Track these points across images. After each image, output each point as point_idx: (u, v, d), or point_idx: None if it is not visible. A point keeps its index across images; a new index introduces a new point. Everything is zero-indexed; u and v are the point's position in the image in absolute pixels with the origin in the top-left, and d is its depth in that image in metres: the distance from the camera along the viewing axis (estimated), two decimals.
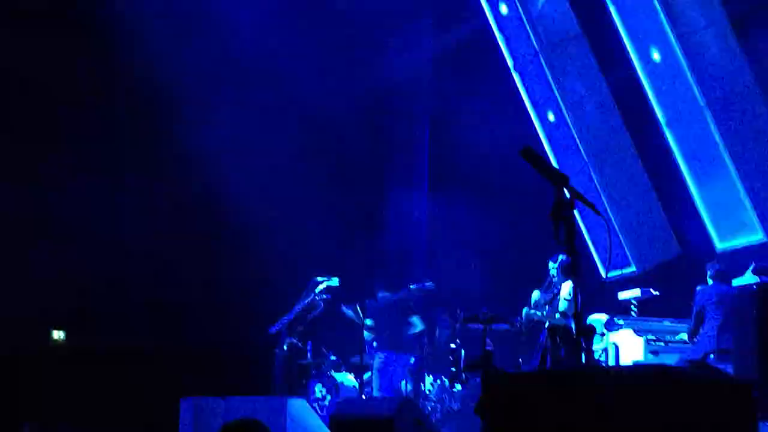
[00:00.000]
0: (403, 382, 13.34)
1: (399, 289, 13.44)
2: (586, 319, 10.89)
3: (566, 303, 11.32)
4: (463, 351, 13.26)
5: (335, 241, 15.90)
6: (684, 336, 11.55)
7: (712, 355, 10.45)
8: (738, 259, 12.41)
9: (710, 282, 11.04)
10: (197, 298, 15.14)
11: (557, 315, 11.31)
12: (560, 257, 11.47)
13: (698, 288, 11.07)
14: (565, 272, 11.57)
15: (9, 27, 14.35)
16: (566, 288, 11.41)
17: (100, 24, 15.04)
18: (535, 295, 11.75)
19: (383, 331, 13.47)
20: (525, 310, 11.66)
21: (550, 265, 11.71)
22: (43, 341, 15.63)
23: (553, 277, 11.58)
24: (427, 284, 13.36)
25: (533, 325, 11.62)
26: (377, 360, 13.48)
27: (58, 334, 15.96)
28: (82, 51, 15.11)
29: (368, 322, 13.50)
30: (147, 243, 15.24)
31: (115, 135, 15.71)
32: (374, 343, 13.66)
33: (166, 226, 15.39)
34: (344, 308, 13.52)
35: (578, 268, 5.06)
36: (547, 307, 11.51)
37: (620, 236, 14.31)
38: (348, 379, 14.06)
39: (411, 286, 13.30)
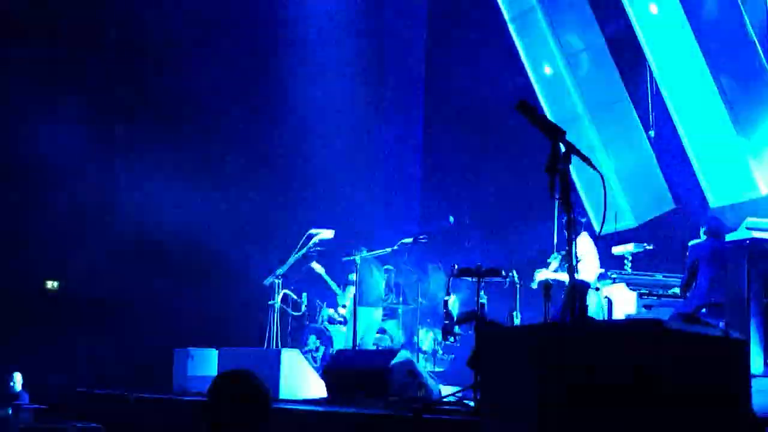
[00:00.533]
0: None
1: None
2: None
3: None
4: (457, 304, 13.32)
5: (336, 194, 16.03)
6: (676, 290, 11.58)
7: (704, 309, 10.48)
8: (732, 215, 12.44)
9: (703, 237, 11.03)
10: (191, 251, 15.14)
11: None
12: (561, 253, 11.51)
13: (691, 243, 11.07)
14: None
15: None
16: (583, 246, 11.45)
17: None
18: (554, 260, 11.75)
19: None
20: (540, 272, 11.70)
21: (553, 256, 11.74)
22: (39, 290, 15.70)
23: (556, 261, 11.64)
24: (420, 238, 13.36)
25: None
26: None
27: (51, 284, 16.00)
28: None
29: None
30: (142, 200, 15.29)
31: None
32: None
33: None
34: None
35: (573, 223, 5.03)
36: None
37: (616, 190, 14.31)
38: (341, 331, 14.12)
39: (403, 240, 13.30)
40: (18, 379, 13.27)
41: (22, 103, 14.46)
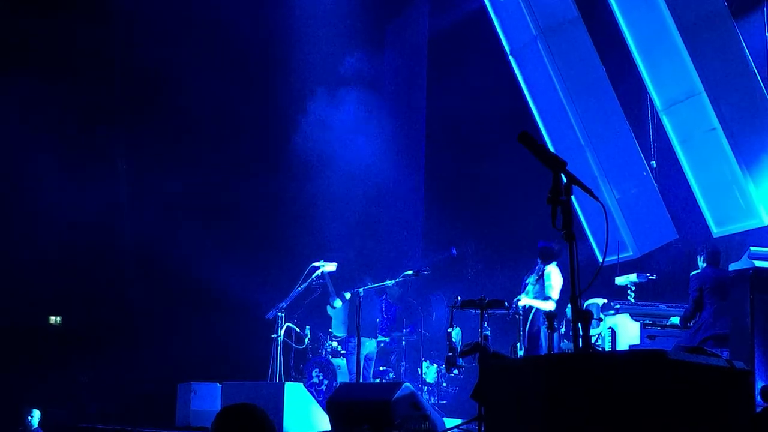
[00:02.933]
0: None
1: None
2: (583, 303, 10.89)
3: (550, 287, 11.51)
4: (460, 335, 13.28)
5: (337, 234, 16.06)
6: (675, 320, 11.54)
7: (710, 341, 10.45)
8: (734, 244, 12.44)
9: (703, 265, 11.02)
10: (195, 284, 15.15)
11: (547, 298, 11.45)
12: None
13: (693, 273, 11.06)
14: (545, 257, 11.70)
15: None
16: (551, 272, 11.59)
17: None
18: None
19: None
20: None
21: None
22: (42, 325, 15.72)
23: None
24: (423, 270, 13.36)
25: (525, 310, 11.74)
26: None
27: (54, 319, 16.01)
28: None
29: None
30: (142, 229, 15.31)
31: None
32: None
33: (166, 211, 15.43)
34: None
35: (576, 253, 5.04)
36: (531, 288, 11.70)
37: (618, 221, 14.30)
38: (345, 363, 14.09)
39: (406, 272, 13.32)
40: (36, 416, 13.27)
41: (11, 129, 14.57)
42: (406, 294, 15.24)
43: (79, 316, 15.52)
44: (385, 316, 14.63)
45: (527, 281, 12.04)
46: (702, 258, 11.15)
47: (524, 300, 11.72)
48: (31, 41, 15.09)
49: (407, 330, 14.67)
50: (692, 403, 4.14)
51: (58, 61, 15.32)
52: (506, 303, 10.88)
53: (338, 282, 13.84)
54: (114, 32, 15.99)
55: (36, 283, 14.94)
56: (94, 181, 15.26)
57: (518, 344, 11.17)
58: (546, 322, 10.71)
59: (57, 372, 14.28)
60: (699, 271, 11.01)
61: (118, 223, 15.81)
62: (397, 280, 13.24)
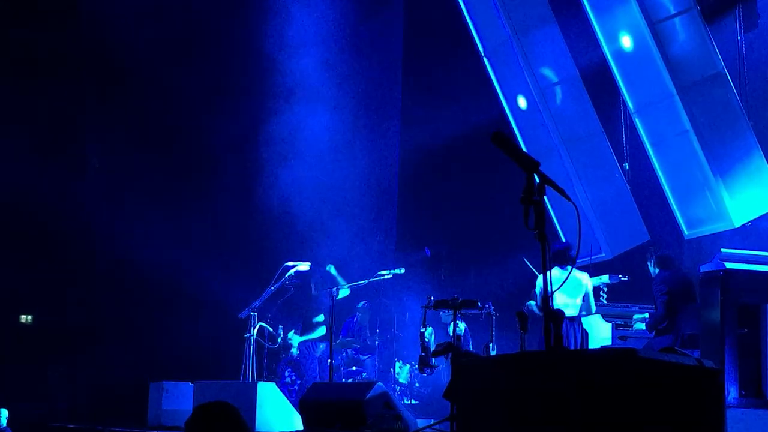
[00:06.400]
0: None
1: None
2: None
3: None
4: (433, 335, 13.32)
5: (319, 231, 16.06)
6: (641, 326, 11.59)
7: (678, 341, 10.54)
8: (705, 246, 12.53)
9: (656, 270, 11.17)
10: (167, 282, 15.08)
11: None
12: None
13: (657, 277, 11.15)
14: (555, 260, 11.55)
15: None
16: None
17: None
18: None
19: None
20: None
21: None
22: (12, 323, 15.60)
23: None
24: (396, 270, 13.41)
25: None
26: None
27: (25, 318, 15.90)
28: None
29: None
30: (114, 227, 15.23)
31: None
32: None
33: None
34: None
35: (548, 254, 5.06)
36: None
37: (591, 222, 14.37)
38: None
39: (380, 272, 13.37)
40: (4, 414, 13.14)
41: None
42: (380, 295, 15.32)
43: (50, 314, 15.42)
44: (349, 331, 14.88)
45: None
46: (653, 263, 11.31)
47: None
48: None
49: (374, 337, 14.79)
50: (662, 401, 4.17)
51: (27, 60, 15.24)
52: (479, 303, 10.89)
53: (312, 282, 13.84)
54: (81, 28, 15.88)
55: (7, 282, 14.83)
56: (66, 179, 15.17)
57: (491, 344, 11.18)
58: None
59: (27, 371, 14.18)
60: (659, 274, 11.12)
61: (90, 221, 15.71)
62: (371, 280, 13.30)
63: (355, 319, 15.13)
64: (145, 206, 15.09)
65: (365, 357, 14.78)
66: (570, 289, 11.25)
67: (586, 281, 11.53)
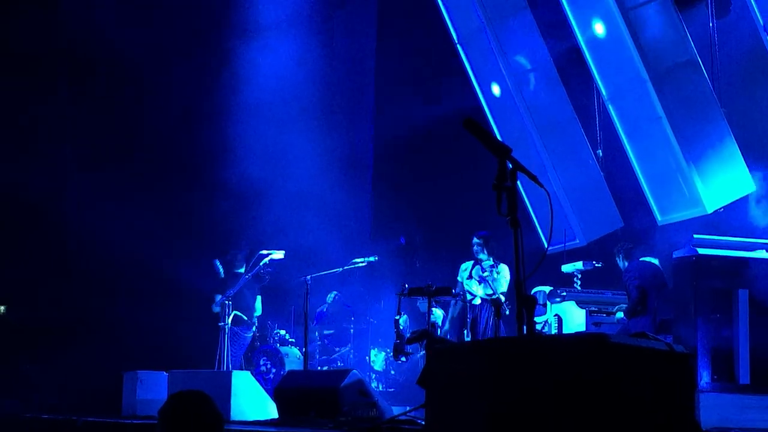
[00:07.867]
0: None
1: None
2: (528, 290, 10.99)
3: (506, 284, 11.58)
4: (408, 323, 13.35)
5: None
6: (620, 315, 11.66)
7: (651, 327, 10.62)
8: (678, 233, 12.60)
9: (625, 263, 11.28)
10: (139, 271, 15.00)
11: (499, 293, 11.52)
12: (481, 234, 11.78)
13: (627, 267, 11.25)
14: (489, 247, 11.72)
15: None
16: (506, 271, 11.64)
17: None
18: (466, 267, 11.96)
19: None
20: (467, 282, 11.83)
21: (474, 240, 11.91)
22: None
23: (477, 252, 11.83)
24: (371, 258, 13.44)
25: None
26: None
27: None
28: None
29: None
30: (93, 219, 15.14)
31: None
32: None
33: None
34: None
35: (521, 240, 5.06)
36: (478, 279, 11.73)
37: (565, 209, 14.41)
38: (293, 351, 14.08)
39: (354, 260, 13.40)
40: None
41: None
42: (354, 283, 15.37)
43: (23, 305, 15.31)
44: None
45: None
46: (621, 257, 11.42)
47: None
48: None
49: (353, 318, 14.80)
50: (634, 386, 4.19)
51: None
52: (453, 290, 10.94)
53: (286, 270, 13.81)
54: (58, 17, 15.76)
55: None
56: (38, 169, 15.06)
57: (465, 331, 11.23)
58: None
59: (0, 362, 14.08)
60: (628, 266, 11.23)
61: (62, 211, 15.60)
62: (345, 268, 13.32)
63: (325, 309, 15.14)
64: (117, 198, 14.99)
65: (339, 349, 14.82)
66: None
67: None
